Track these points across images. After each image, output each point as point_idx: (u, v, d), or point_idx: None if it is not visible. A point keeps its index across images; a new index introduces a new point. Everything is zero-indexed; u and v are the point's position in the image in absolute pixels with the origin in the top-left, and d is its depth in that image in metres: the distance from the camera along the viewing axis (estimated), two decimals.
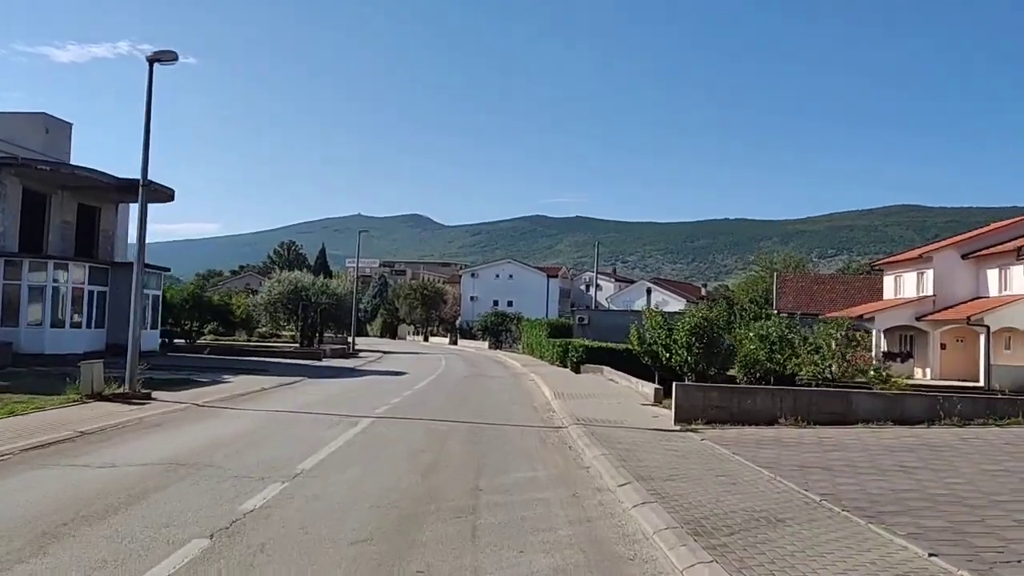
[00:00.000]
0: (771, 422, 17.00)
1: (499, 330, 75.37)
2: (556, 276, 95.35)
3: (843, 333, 26.33)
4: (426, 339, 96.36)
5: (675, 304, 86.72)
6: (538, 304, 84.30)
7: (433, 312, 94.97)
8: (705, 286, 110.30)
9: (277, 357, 42.40)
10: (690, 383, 20.76)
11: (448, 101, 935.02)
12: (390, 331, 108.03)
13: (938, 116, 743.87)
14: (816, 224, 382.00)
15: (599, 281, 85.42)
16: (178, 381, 24.95)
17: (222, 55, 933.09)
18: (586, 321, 54.65)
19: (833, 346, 26.77)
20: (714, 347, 24.58)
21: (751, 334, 26.07)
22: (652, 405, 22.45)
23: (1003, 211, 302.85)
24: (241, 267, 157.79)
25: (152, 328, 38.74)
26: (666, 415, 19.10)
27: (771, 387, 20.59)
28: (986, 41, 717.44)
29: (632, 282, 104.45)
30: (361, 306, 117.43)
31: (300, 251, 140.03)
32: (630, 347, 34.38)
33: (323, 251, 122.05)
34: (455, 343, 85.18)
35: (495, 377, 35.72)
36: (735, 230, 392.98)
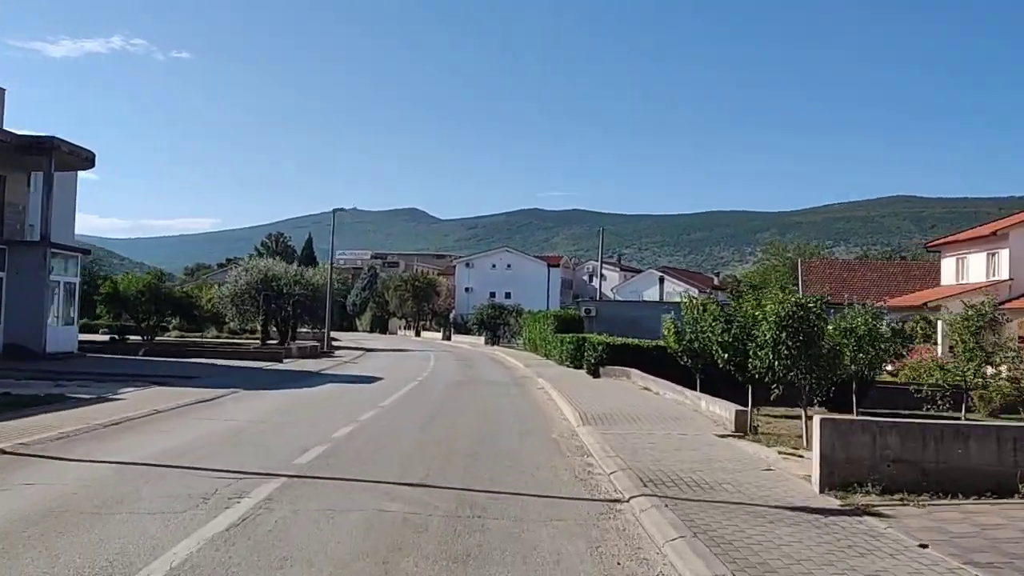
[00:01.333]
0: (1011, 491, 9.15)
1: (496, 324, 67.55)
2: (557, 265, 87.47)
3: (984, 322, 18.66)
4: (418, 334, 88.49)
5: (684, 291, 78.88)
6: (538, 296, 76.55)
7: (425, 305, 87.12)
8: (718, 275, 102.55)
9: (232, 358, 34.54)
10: (844, 417, 12.94)
11: (443, 95, 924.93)
12: (380, 326, 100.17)
13: (936, 106, 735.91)
14: (813, 215, 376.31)
15: (603, 271, 77.62)
16: (43, 399, 17.20)
17: (216, 50, 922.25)
18: (593, 313, 46.94)
19: (969, 343, 19.07)
20: (811, 347, 16.65)
21: (829, 328, 18.34)
22: (734, 436, 14.66)
23: (1002, 201, 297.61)
24: (228, 260, 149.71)
25: (66, 324, 30.88)
26: (781, 467, 11.35)
27: (995, 423, 12.72)
28: (981, 30, 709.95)
29: (639, 271, 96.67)
30: (350, 299, 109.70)
31: (288, 243, 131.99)
32: (664, 344, 26.97)
33: (310, 241, 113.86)
34: (449, 338, 77.33)
35: (494, 384, 27.85)
36: (732, 222, 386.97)
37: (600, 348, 29.67)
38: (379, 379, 27.92)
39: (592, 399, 20.71)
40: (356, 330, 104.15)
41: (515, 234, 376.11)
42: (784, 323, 16.19)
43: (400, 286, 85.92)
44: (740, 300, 24.82)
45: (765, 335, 16.53)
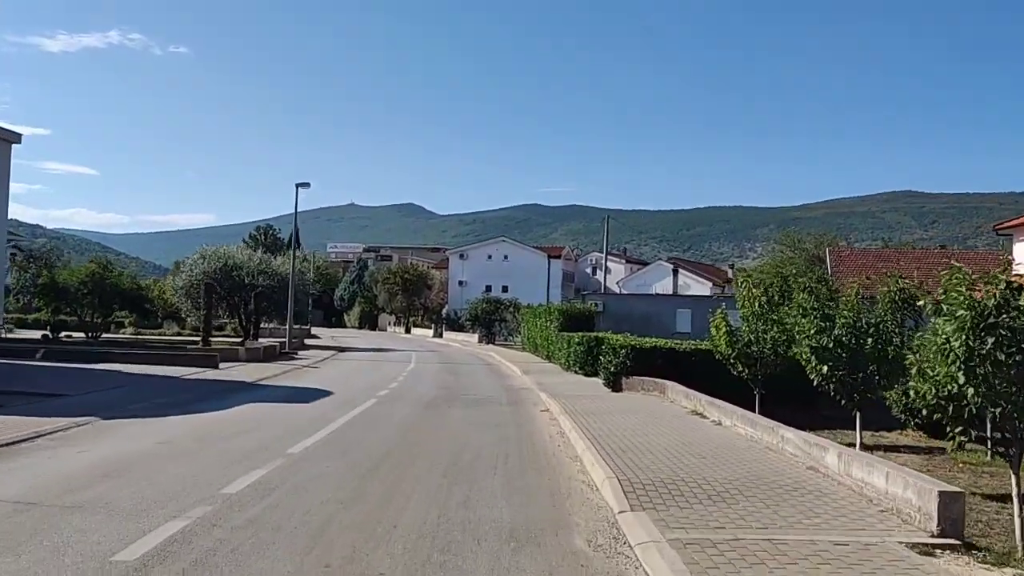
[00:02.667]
0: None
1: (491, 320, 59.98)
2: (559, 257, 79.63)
3: None
4: (408, 331, 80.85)
5: (698, 288, 71.50)
6: (537, 289, 68.95)
7: (416, 300, 79.47)
8: (732, 266, 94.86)
9: (158, 363, 27.02)
10: None
11: (441, 90, 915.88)
12: (370, 322, 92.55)
13: (936, 101, 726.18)
14: (814, 211, 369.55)
15: (608, 263, 70.07)
16: None
17: (214, 45, 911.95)
18: (600, 308, 39.54)
19: None
20: None
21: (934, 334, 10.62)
22: (943, 546, 7.12)
23: (1002, 196, 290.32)
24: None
25: None
26: None
27: None
28: (982, 26, 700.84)
29: (645, 264, 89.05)
30: (338, 294, 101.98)
31: (278, 235, 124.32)
32: (707, 347, 19.75)
33: (296, 232, 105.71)
34: (440, 335, 69.77)
35: (480, 404, 20.15)
36: (731, 217, 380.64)
37: (623, 352, 22.10)
38: (328, 394, 20.43)
39: (626, 436, 13.14)
40: (344, 326, 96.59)
41: (514, 229, 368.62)
42: (988, 326, 8.62)
43: (388, 279, 78.23)
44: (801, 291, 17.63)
45: (949, 344, 8.92)
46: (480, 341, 59.33)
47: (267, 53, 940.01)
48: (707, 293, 67.37)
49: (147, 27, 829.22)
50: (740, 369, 19.48)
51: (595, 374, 27.41)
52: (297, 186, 37.79)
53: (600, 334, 28.23)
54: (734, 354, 19.28)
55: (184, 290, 44.73)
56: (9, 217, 32.54)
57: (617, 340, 22.69)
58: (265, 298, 44.70)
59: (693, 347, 22.28)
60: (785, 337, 18.88)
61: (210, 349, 31.15)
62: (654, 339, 23.41)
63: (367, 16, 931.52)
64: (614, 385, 22.30)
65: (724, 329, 19.36)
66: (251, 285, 43.71)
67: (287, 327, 38.96)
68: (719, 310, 19.79)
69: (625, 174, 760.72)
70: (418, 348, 49.97)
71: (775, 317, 19.18)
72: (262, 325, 51.17)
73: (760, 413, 19.08)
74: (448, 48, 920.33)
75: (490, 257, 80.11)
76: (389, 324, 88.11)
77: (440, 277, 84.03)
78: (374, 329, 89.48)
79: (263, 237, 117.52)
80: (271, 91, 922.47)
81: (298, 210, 40.97)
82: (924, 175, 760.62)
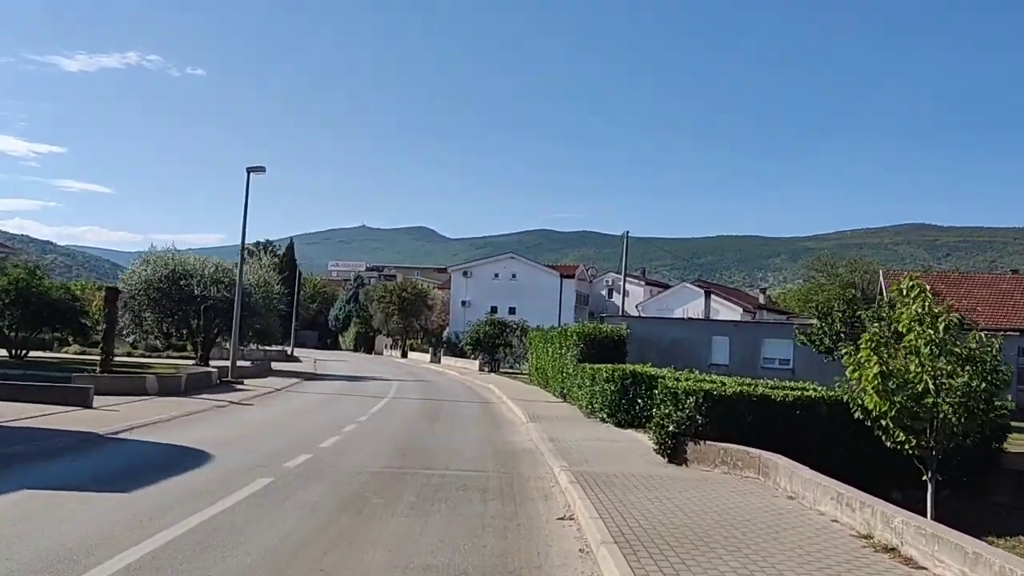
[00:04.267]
0: None
1: (495, 344, 51.30)
2: (572, 277, 70.83)
3: None
4: (404, 355, 72.21)
5: (727, 314, 62.58)
6: (548, 311, 60.39)
7: (414, 321, 70.82)
8: (765, 291, 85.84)
9: (5, 397, 18.56)
10: None
11: (454, 114, 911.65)
12: (366, 344, 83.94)
13: (950, 133, 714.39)
14: (825, 242, 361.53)
15: (626, 284, 61.38)
16: None
17: (229, 67, 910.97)
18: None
19: None
20: None
21: None
22: None
23: (1016, 231, 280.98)
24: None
25: None
26: None
27: None
28: (997, 58, 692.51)
29: (666, 287, 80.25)
30: (332, 313, 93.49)
31: (277, 252, 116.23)
32: (839, 396, 10.95)
33: (291, 247, 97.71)
34: (438, 361, 61.07)
35: (449, 493, 11.13)
36: (743, 246, 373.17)
37: (690, 401, 13.29)
38: (199, 464, 11.85)
39: None
40: (339, 349, 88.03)
41: (524, 254, 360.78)
42: None
43: (384, 297, 69.59)
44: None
45: None
46: (481, 369, 50.62)
47: (280, 76, 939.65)
48: (738, 319, 58.69)
49: (165, 49, 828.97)
50: (900, 437, 11.04)
51: (631, 424, 18.76)
52: (248, 170, 29.43)
53: (639, 368, 19.58)
54: (893, 411, 10.82)
55: (123, 300, 36.29)
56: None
57: (683, 383, 13.91)
58: (220, 312, 36.23)
59: (806, 396, 13.63)
60: (984, 386, 10.71)
61: (90, 377, 22.44)
62: (735, 381, 14.71)
63: (381, 39, 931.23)
64: (673, 453, 13.63)
65: (875, 369, 10.84)
66: (204, 297, 35.24)
67: (231, 347, 30.31)
68: (872, 338, 11.40)
69: (637, 201, 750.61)
70: (406, 376, 41.34)
71: (962, 351, 10.96)
72: (227, 345, 42.68)
73: (940, 516, 10.82)
74: (460, 75, 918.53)
75: (497, 275, 71.41)
76: (386, 347, 79.49)
77: (442, 297, 75.44)
78: (370, 352, 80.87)
79: (262, 253, 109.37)
80: (283, 113, 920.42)
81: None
82: (936, 208, 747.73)
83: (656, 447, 13.98)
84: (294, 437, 15.44)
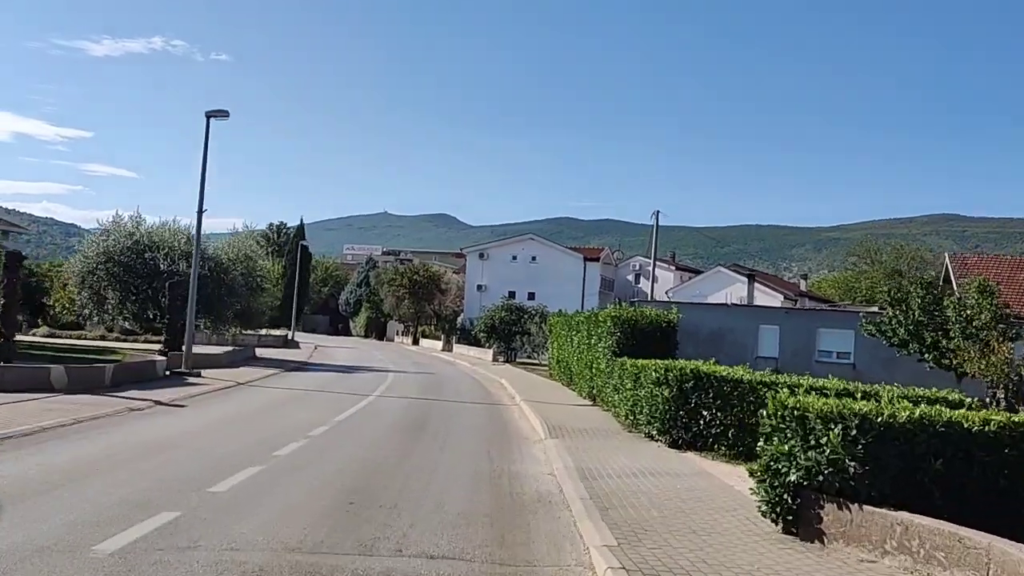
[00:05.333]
0: None
1: (512, 332, 45.64)
2: (596, 260, 64.80)
3: None
4: (415, 342, 66.70)
5: (766, 301, 56.38)
6: (570, 297, 54.50)
7: (427, 306, 65.23)
8: (806, 277, 79.43)
9: None
10: None
11: (477, 100, 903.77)
12: (377, 330, 78.54)
13: (979, 123, 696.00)
14: (850, 232, 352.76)
15: (655, 269, 55.41)
16: None
17: (253, 52, 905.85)
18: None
19: None
20: None
21: None
22: None
23: None
24: None
25: None
26: None
27: None
28: None
29: (698, 272, 74.12)
30: (343, 298, 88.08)
31: (291, 234, 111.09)
32: None
33: (301, 228, 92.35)
34: (450, 349, 55.50)
35: None
36: (766, 236, 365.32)
37: (833, 432, 7.45)
38: None
39: None
40: (350, 335, 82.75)
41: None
42: None
43: (394, 280, 64.00)
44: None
45: None
46: (495, 359, 44.98)
47: (304, 61, 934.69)
48: (779, 305, 52.78)
49: (190, 34, 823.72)
50: None
51: (693, 445, 13.12)
52: (208, 115, 23.82)
53: (703, 366, 13.83)
54: None
55: (80, 276, 31.01)
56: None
57: (814, 401, 8.06)
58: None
59: (1015, 421, 7.82)
60: None
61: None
62: (892, 393, 8.88)
63: (405, 27, 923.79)
64: (795, 519, 7.85)
65: None
66: (169, 272, 29.78)
67: (187, 330, 24.66)
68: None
69: (660, 190, 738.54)
70: (408, 368, 35.75)
71: None
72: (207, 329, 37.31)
73: None
74: (484, 58, 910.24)
75: (515, 258, 65.52)
76: (397, 334, 74.05)
77: (457, 281, 69.76)
78: (381, 339, 75.47)
79: (275, 236, 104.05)
80: (306, 99, 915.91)
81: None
82: (965, 198, 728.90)
83: (764, 505, 8.20)
84: (182, 472, 9.81)
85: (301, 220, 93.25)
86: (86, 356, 25.20)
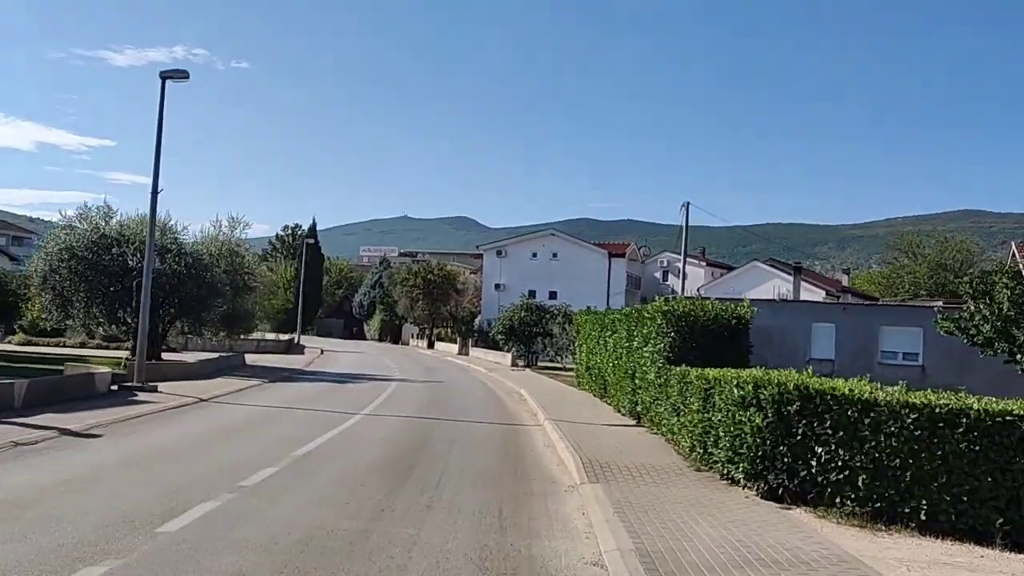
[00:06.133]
0: None
1: (532, 333, 41.25)
2: (622, 256, 60.26)
3: None
4: (431, 345, 62.42)
5: (806, 294, 51.59)
6: (594, 296, 50.00)
7: (442, 307, 60.96)
8: (848, 272, 74.42)
9: None
10: None
11: (496, 102, 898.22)
12: (392, 333, 74.37)
13: (1004, 118, 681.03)
14: (874, 229, 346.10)
15: (685, 265, 50.81)
16: None
17: (273, 59, 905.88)
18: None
19: None
20: None
21: None
22: None
23: None
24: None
25: None
26: None
27: None
28: None
29: (730, 268, 69.32)
30: (356, 299, 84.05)
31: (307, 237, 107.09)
32: None
33: (313, 227, 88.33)
34: (466, 353, 51.19)
35: None
36: (789, 235, 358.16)
37: None
38: None
39: None
40: (364, 338, 78.70)
41: None
42: None
43: (407, 280, 59.81)
44: None
45: None
46: (515, 364, 40.59)
47: (323, 68, 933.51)
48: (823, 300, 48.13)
49: (210, 43, 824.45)
50: None
51: (801, 498, 8.69)
52: (162, 76, 19.64)
53: (814, 382, 9.37)
54: None
55: (42, 275, 26.99)
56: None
57: None
58: (168, 291, 26.68)
59: None
60: None
61: None
62: None
63: (422, 30, 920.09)
64: None
65: None
66: (139, 269, 25.67)
67: (139, 335, 20.44)
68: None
69: (681, 190, 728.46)
70: (416, 375, 31.42)
71: None
72: (193, 334, 33.30)
73: None
74: (502, 60, 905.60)
75: (535, 255, 61.07)
76: (412, 337, 69.82)
77: (474, 281, 65.45)
78: (396, 343, 71.30)
79: (289, 238, 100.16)
80: (326, 104, 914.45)
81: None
82: (990, 194, 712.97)
83: None
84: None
85: (313, 219, 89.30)
86: (28, 368, 21.13)
